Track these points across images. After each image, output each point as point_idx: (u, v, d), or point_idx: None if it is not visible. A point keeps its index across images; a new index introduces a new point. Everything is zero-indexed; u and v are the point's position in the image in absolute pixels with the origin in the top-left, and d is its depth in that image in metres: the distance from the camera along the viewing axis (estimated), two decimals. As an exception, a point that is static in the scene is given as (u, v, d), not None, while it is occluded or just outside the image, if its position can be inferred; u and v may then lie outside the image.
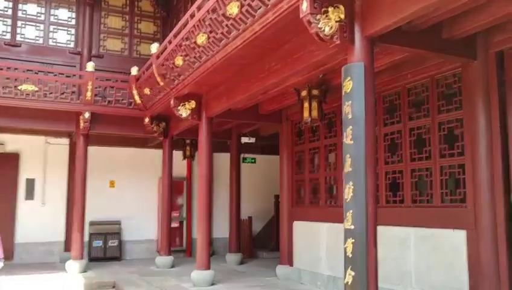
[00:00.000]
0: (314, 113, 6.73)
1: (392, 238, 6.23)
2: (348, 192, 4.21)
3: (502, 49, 5.08)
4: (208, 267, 8.21)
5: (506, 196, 4.91)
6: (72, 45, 11.91)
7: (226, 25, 5.51)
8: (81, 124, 9.84)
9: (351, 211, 4.19)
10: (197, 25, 6.10)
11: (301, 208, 8.66)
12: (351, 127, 4.25)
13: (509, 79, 5.10)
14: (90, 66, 9.84)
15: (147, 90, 9.21)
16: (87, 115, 9.73)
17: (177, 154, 12.03)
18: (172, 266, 10.40)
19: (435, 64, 5.72)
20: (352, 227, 4.17)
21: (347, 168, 4.25)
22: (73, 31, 11.96)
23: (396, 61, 5.68)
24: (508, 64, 5.11)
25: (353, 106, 4.24)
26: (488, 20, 4.55)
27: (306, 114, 6.80)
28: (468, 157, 5.34)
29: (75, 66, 11.53)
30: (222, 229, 12.48)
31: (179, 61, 7.06)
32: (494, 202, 4.98)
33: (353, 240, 4.16)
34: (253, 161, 12.92)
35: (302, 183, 8.71)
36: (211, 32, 5.89)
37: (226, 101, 7.45)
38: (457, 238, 5.35)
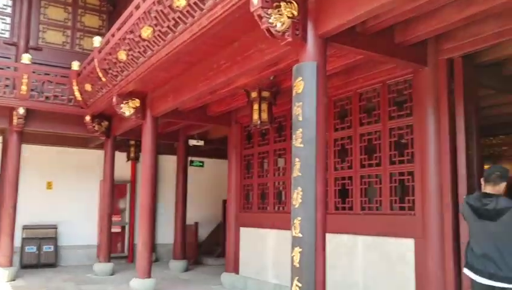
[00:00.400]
0: (264, 116, 6.50)
1: (339, 246, 6.08)
2: (296, 198, 3.98)
3: (451, 57, 5.04)
4: (149, 275, 7.76)
5: (454, 204, 4.85)
6: (7, 34, 11.02)
7: (173, 18, 5.17)
8: (15, 121, 9.12)
9: (299, 218, 3.95)
10: (142, 17, 5.71)
11: (249, 213, 8.39)
12: (301, 129, 4.03)
13: (458, 87, 5.07)
14: (26, 58, 9.13)
15: (88, 87, 8.66)
16: (21, 110, 9.02)
17: (121, 156, 11.52)
18: (112, 274, 9.83)
19: (386, 70, 5.63)
20: (300, 235, 3.94)
21: (296, 172, 4.02)
22: (8, 20, 11.08)
23: (349, 65, 5.54)
24: (457, 72, 5.07)
25: (304, 107, 4.02)
26: (439, 26, 4.48)
27: (255, 116, 6.55)
28: (417, 165, 5.26)
29: (10, 58, 10.70)
30: (167, 234, 11.99)
31: (122, 55, 6.62)
32: (442, 210, 4.92)
33: (300, 249, 3.93)
34: (201, 164, 12.53)
35: (250, 188, 8.45)
36: (156, 25, 5.52)
37: (172, 100, 7.08)
38: (405, 246, 5.25)
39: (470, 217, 4.00)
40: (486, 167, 4.77)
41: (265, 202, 8.00)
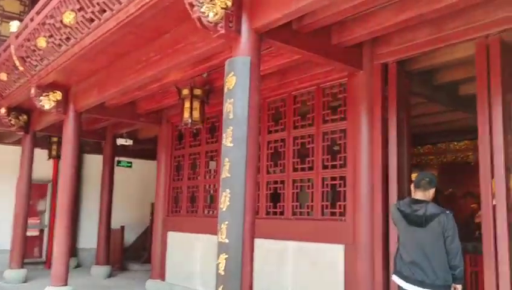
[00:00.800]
0: (196, 115, 6.19)
1: (270, 252, 5.89)
2: (224, 201, 3.72)
3: (386, 62, 5.03)
4: (65, 283, 7.15)
5: (385, 210, 4.80)
6: None
7: (98, 3, 4.74)
8: None
9: (226, 223, 3.69)
10: (64, 1, 5.21)
11: (177, 217, 8.01)
12: (231, 128, 3.78)
13: (392, 93, 5.05)
14: None
15: (3, 76, 7.87)
16: None
17: (43, 153, 10.70)
18: (25, 281, 9.02)
19: (322, 73, 5.53)
20: (227, 241, 3.67)
21: (225, 173, 3.76)
22: None
23: (284, 65, 5.38)
24: (390, 78, 5.06)
25: (235, 104, 3.78)
26: (375, 28, 4.43)
27: (186, 115, 6.22)
28: (349, 170, 5.18)
29: None
30: (90, 238, 11.25)
31: (41, 42, 6.03)
32: (373, 216, 4.86)
33: (227, 256, 3.66)
34: (129, 165, 11.91)
35: (180, 190, 8.08)
36: (80, 10, 5.05)
37: (97, 94, 6.59)
38: (336, 253, 5.14)
39: (400, 223, 3.95)
40: (414, 175, 4.77)
41: (195, 206, 7.67)
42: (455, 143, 10.23)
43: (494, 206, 4.07)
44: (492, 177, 4.12)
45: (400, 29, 4.55)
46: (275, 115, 6.33)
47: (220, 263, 3.71)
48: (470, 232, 8.30)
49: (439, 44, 4.48)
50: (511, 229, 4.03)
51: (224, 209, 3.73)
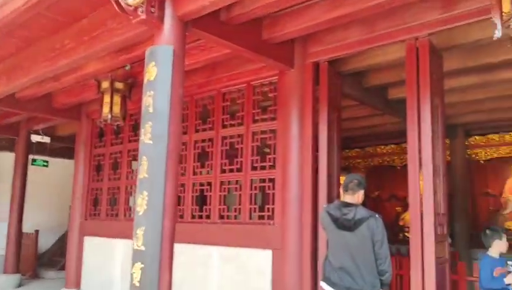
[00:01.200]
0: (116, 110, 5.72)
1: (195, 259, 5.56)
2: (141, 203, 3.36)
3: (318, 61, 4.88)
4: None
5: (314, 214, 4.64)
6: None
7: (2, -21, 4.21)
8: None
9: (142, 228, 3.34)
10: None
11: (96, 221, 7.43)
12: (150, 123, 3.44)
13: (323, 94, 4.92)
14: None
15: None
16: None
17: None
18: None
19: (252, 70, 5.30)
20: (143, 248, 3.32)
21: (142, 173, 3.40)
22: None
23: (213, 60, 5.11)
24: (322, 78, 4.92)
25: (156, 97, 3.44)
26: (307, 25, 4.26)
27: (106, 110, 5.73)
28: (279, 172, 4.98)
29: None
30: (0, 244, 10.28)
31: None
32: (302, 220, 4.68)
33: (142, 265, 3.31)
34: (45, 164, 11.01)
35: (99, 192, 7.51)
36: (-19, -14, 4.47)
37: (5, 83, 5.93)
38: (263, 258, 4.91)
39: (329, 226, 3.79)
40: (342, 178, 4.66)
41: (115, 209, 7.15)
42: (382, 147, 10.45)
43: (421, 209, 4.02)
44: (421, 180, 4.08)
45: (332, 27, 4.43)
46: (202, 113, 6.01)
47: (134, 272, 3.34)
48: (394, 234, 8.48)
49: (371, 44, 4.40)
50: (437, 231, 4.01)
51: (140, 213, 3.37)
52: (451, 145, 8.67)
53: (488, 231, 4.45)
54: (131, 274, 3.35)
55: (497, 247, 4.32)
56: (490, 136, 8.83)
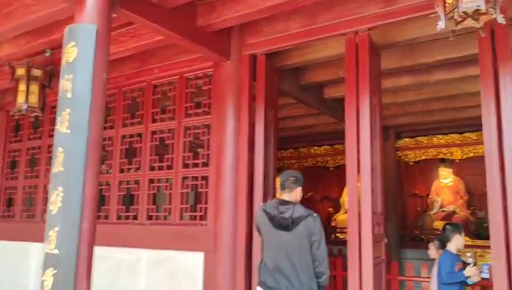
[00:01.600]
0: (33, 100, 5.15)
1: (121, 263, 5.13)
2: (55, 201, 2.94)
3: (255, 53, 4.67)
4: None
5: (249, 214, 4.41)
6: None
7: None
8: None
9: (56, 229, 2.92)
10: None
11: (9, 223, 6.73)
12: (69, 110, 3.03)
13: (260, 89, 4.71)
14: None
15: None
16: None
17: None
18: None
19: (186, 61, 5.00)
20: (56, 251, 2.90)
21: (57, 167, 2.99)
22: None
23: (143, 48, 4.73)
24: (259, 73, 4.71)
25: (75, 81, 3.04)
26: (246, 12, 4.01)
27: (21, 99, 5.15)
28: (212, 169, 4.70)
29: None
30: None
31: None
32: (237, 220, 4.43)
33: (55, 271, 2.89)
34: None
35: (14, 191, 6.81)
36: None
37: None
38: (195, 261, 4.60)
39: (265, 226, 3.56)
40: (277, 179, 4.47)
41: (31, 209, 6.51)
42: (316, 148, 10.48)
43: (359, 209, 3.92)
44: (359, 181, 3.98)
45: (272, 17, 4.24)
46: (131, 107, 5.59)
47: (45, 280, 2.91)
48: (326, 235, 8.47)
49: (311, 37, 4.24)
50: (374, 230, 3.92)
51: (54, 212, 2.95)
52: (383, 147, 8.81)
53: (448, 226, 4.58)
54: (42, 282, 2.92)
55: (457, 242, 4.41)
56: (419, 138, 9.11)
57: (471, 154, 8.60)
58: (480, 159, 8.26)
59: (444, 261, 4.35)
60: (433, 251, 4.84)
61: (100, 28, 3.16)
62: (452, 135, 8.78)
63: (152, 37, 4.41)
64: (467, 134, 8.63)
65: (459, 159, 8.75)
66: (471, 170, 8.59)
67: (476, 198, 8.51)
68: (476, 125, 8.11)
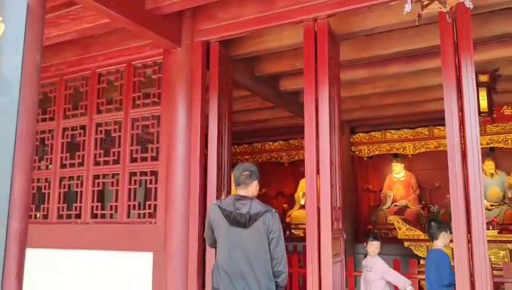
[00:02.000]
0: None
1: (62, 267, 4.72)
2: (-23, 199, 2.56)
3: (208, 40, 4.40)
4: None
5: (202, 212, 4.14)
6: None
7: None
8: None
9: (-22, 231, 2.54)
10: None
11: None
12: (-6, 94, 2.65)
13: (213, 79, 4.44)
14: None
15: None
16: None
17: None
18: None
19: (134, 47, 4.68)
20: (-21, 257, 2.53)
21: (-20, 160, 2.61)
22: None
23: (86, 32, 4.38)
24: (212, 61, 4.45)
25: (3, 61, 2.67)
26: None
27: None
28: (162, 163, 4.40)
29: None
30: None
31: None
32: (188, 218, 4.15)
33: (-22, 279, 2.52)
34: None
35: None
36: None
37: None
38: (143, 262, 4.28)
39: (220, 224, 3.27)
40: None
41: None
42: (270, 143, 10.31)
43: (318, 204, 3.75)
44: (318, 174, 3.81)
45: (225, 1, 3.99)
46: (73, 97, 5.17)
47: (-33, 289, 2.54)
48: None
49: (268, 24, 4.03)
50: (333, 226, 3.76)
51: (-23, 211, 2.57)
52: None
53: (433, 223, 4.35)
54: (-38, 292, 2.55)
55: (444, 239, 4.20)
56: (373, 133, 9.12)
57: (423, 150, 8.70)
58: (431, 154, 8.60)
59: (443, 262, 4.08)
60: (374, 247, 4.57)
61: (32, 2, 2.80)
62: (405, 130, 8.85)
63: (96, 20, 4.06)
64: (419, 129, 8.71)
65: (411, 154, 8.83)
66: (422, 165, 8.71)
67: (427, 192, 8.62)
68: (428, 120, 8.26)
